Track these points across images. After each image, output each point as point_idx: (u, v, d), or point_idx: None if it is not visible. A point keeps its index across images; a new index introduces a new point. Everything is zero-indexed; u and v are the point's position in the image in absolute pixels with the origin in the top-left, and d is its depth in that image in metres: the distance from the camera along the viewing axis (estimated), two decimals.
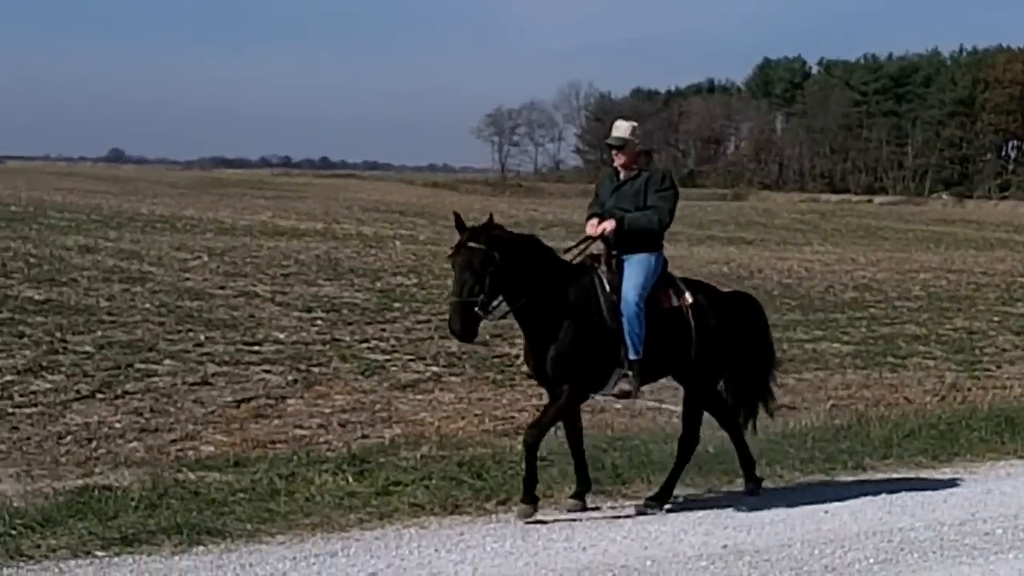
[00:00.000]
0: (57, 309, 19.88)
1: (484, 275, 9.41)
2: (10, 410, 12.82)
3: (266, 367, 15.78)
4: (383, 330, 19.48)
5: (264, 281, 24.88)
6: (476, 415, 13.71)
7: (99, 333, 17.75)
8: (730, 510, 10.25)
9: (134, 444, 11.75)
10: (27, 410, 12.89)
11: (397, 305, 22.55)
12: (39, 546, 8.49)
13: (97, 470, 10.74)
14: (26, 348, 16.28)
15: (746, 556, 9.00)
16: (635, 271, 10.00)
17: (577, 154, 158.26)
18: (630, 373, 9.88)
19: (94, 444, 11.71)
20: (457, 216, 9.77)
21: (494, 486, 10.40)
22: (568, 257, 10.23)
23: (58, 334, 17.41)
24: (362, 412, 13.44)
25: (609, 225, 10.12)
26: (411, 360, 16.92)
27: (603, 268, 10.05)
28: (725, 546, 9.25)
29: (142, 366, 15.44)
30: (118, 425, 12.39)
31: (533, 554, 8.88)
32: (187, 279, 24.67)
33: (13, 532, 8.72)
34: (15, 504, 9.39)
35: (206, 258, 29.60)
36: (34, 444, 11.60)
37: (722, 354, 10.47)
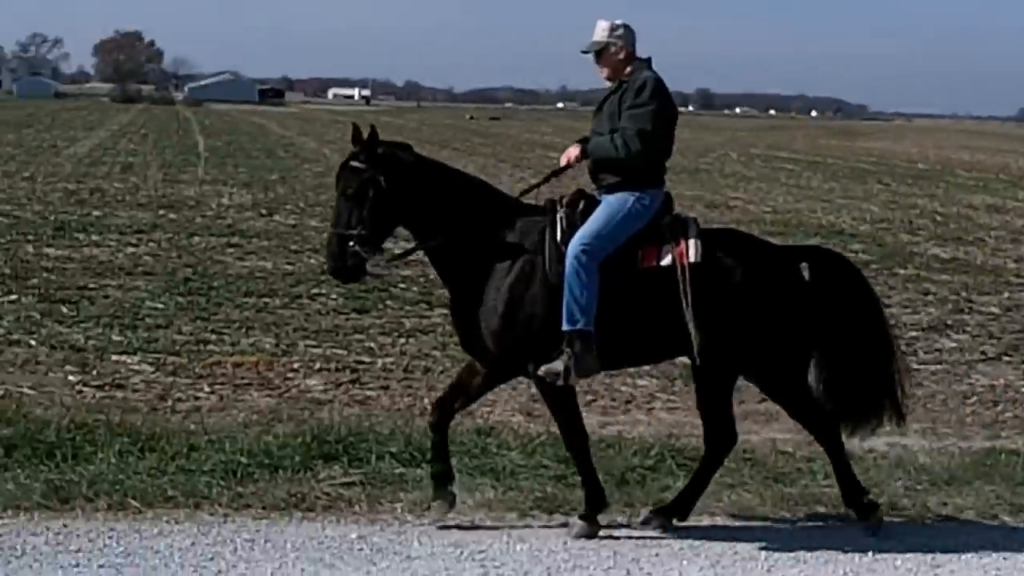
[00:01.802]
0: (963, 268, 19.96)
1: (363, 203, 7.41)
2: (915, 366, 12.91)
3: None
4: None
5: None
6: None
7: (1006, 295, 17.51)
8: None
9: None
10: (932, 367, 12.96)
11: None
12: (945, 504, 8.48)
13: (1003, 434, 10.59)
14: (931, 305, 16.46)
15: None
16: (595, 216, 7.54)
17: None
18: (568, 349, 7.41)
19: (1000, 407, 11.53)
20: (354, 127, 7.62)
21: None
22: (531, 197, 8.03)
23: (964, 293, 17.42)
24: None
25: (573, 152, 7.79)
26: None
27: (562, 212, 7.59)
28: None
29: None
30: None
31: None
32: None
33: (918, 488, 8.78)
34: (921, 460, 9.43)
35: None
36: (939, 402, 11.63)
37: (751, 336, 7.65)
